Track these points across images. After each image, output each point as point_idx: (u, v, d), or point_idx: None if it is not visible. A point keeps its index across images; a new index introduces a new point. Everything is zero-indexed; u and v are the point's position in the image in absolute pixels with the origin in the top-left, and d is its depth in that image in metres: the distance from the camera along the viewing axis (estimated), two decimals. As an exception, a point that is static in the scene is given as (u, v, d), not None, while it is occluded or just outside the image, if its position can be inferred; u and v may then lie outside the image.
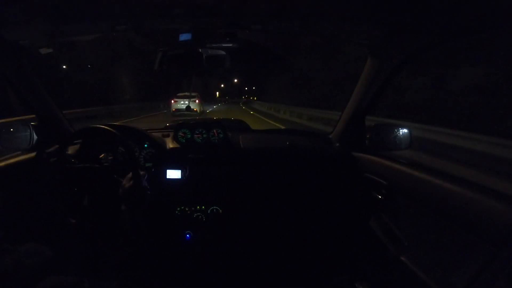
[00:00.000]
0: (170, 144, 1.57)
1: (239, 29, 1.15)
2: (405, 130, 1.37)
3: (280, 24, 1.15)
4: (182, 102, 14.53)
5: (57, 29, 1.13)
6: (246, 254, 1.49)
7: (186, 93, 15.36)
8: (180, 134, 1.59)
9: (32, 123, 1.39)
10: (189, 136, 1.59)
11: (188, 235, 1.43)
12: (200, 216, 1.44)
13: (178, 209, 1.43)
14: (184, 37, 1.23)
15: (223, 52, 1.41)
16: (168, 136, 1.63)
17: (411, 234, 1.08)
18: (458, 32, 0.92)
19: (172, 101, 14.82)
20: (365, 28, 1.12)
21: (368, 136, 1.42)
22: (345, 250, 1.48)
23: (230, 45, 1.33)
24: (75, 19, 1.06)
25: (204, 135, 1.59)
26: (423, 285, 0.92)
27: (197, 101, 14.82)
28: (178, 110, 14.25)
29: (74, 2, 0.94)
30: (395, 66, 1.24)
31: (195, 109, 14.34)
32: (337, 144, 1.59)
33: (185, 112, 13.38)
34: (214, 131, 1.59)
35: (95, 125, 1.24)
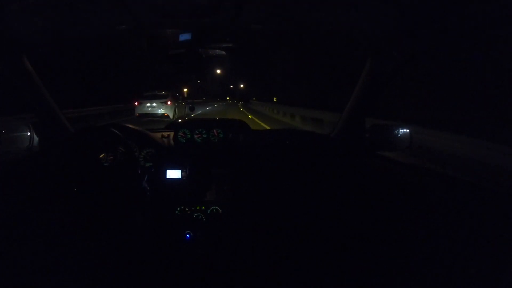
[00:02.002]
0: (170, 144, 1.57)
1: (239, 29, 1.15)
2: (405, 130, 1.37)
3: (280, 24, 1.15)
4: (148, 104, 10.86)
5: (57, 29, 1.13)
6: (246, 254, 1.49)
7: (156, 92, 11.35)
8: (180, 134, 1.59)
9: (32, 123, 1.39)
10: (189, 136, 1.59)
11: (188, 235, 1.43)
12: (200, 216, 1.44)
13: (178, 209, 1.43)
14: (184, 37, 1.23)
15: (223, 52, 1.42)
16: (168, 136, 1.63)
17: (411, 233, 1.08)
18: (458, 33, 0.92)
19: (136, 103, 11.04)
20: (365, 28, 1.12)
21: (368, 136, 1.42)
22: (345, 250, 1.48)
23: (230, 45, 1.34)
24: (75, 19, 1.06)
25: (204, 135, 1.59)
26: (422, 284, 0.92)
27: (168, 102, 10.91)
28: (143, 115, 10.84)
29: (74, 2, 0.94)
30: (395, 66, 1.24)
31: (165, 114, 10.80)
32: (337, 144, 1.59)
33: (154, 119, 10.62)
34: (214, 131, 1.59)
35: (95, 125, 1.24)
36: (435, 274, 0.91)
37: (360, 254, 1.38)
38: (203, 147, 1.57)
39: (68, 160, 1.31)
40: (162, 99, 10.96)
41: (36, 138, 1.38)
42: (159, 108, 10.79)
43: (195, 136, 1.58)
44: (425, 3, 0.84)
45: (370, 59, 1.33)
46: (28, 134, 1.37)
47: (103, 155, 1.34)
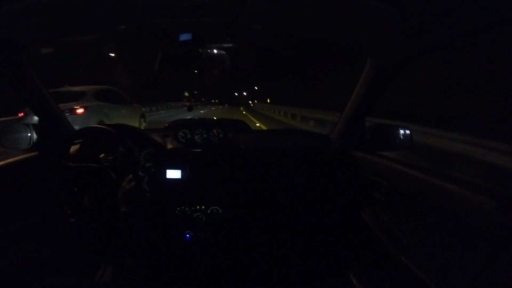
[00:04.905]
0: (170, 144, 1.57)
1: (239, 29, 1.15)
2: (405, 130, 1.37)
3: (280, 24, 1.15)
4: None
5: (57, 29, 1.13)
6: (246, 253, 1.50)
7: (64, 89, 6.38)
8: (180, 134, 1.59)
9: (32, 123, 1.39)
10: (189, 136, 1.59)
11: (188, 235, 1.43)
12: (200, 216, 1.44)
13: (178, 209, 1.43)
14: (184, 37, 1.23)
15: (223, 52, 1.42)
16: (168, 136, 1.64)
17: (410, 234, 1.08)
18: (458, 33, 0.92)
19: (20, 114, 5.81)
20: (365, 28, 1.12)
21: (368, 136, 1.43)
22: (344, 249, 1.48)
23: (230, 45, 1.34)
24: (75, 19, 1.06)
25: (204, 135, 1.59)
26: (421, 283, 0.92)
27: (79, 110, 5.57)
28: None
29: (74, 2, 0.94)
30: (395, 66, 1.24)
31: None
32: (337, 144, 1.59)
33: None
34: (214, 131, 1.59)
35: (95, 125, 1.24)
36: (434, 273, 0.91)
37: (360, 254, 1.38)
38: (203, 147, 1.57)
39: (68, 160, 1.31)
40: (69, 102, 5.55)
41: (36, 138, 1.38)
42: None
43: (195, 136, 1.59)
44: (424, 3, 0.84)
45: (370, 59, 1.33)
46: (28, 134, 1.37)
47: (103, 155, 1.34)
